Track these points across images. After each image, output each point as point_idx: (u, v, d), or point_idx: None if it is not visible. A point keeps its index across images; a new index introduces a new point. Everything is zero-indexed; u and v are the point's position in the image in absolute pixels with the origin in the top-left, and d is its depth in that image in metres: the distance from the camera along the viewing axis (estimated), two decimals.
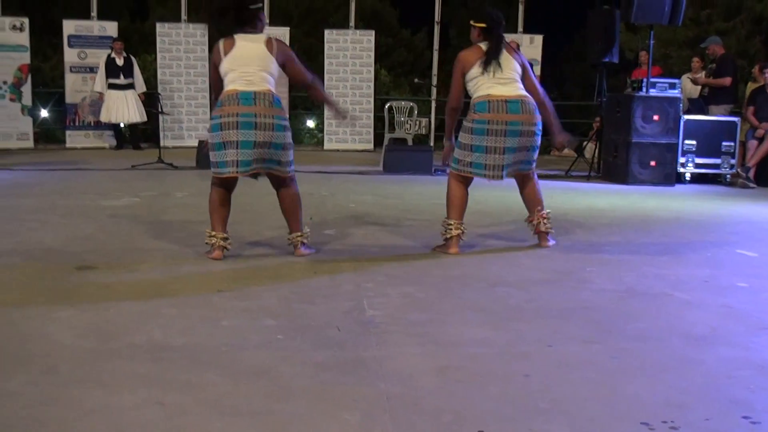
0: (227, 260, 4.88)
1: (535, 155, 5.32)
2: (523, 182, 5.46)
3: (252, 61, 4.75)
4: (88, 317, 3.60)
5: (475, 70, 5.18)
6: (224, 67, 4.78)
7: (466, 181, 5.35)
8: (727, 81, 10.85)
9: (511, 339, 3.42)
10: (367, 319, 3.66)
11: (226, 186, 4.93)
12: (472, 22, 5.31)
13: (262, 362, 3.03)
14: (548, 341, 3.39)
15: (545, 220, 5.45)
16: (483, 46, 5.21)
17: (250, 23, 4.83)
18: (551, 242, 5.51)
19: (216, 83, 4.92)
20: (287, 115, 5.01)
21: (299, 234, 5.04)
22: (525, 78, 5.30)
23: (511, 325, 3.64)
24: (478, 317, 3.75)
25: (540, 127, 5.25)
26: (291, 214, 5.02)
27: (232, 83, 4.75)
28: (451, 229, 5.26)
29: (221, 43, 4.80)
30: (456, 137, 5.39)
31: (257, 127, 4.67)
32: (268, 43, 4.81)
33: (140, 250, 5.20)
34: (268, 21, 5.14)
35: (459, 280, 4.49)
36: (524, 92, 5.20)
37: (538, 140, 5.26)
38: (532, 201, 5.47)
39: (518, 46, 10.91)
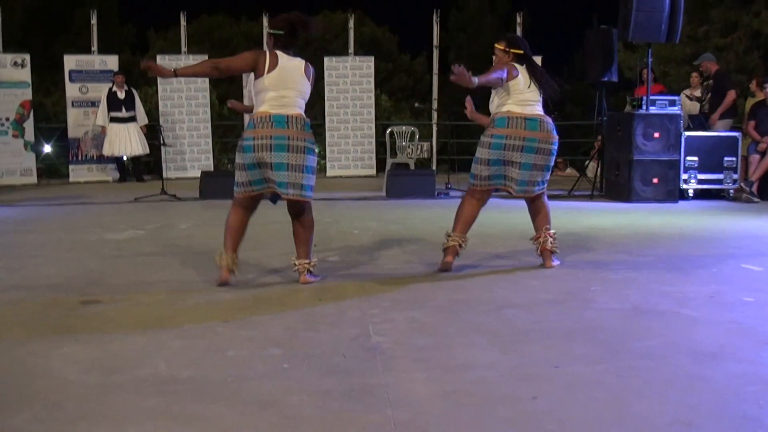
0: (232, 289, 4.88)
1: (548, 176, 5.47)
2: (533, 203, 5.56)
3: (292, 84, 4.86)
4: (92, 351, 3.59)
5: (515, 82, 5.33)
6: (263, 83, 4.84)
7: (481, 198, 5.50)
8: (732, 95, 10.88)
9: (518, 361, 3.41)
10: (373, 345, 3.65)
11: (249, 206, 5.02)
12: (505, 48, 5.47)
13: (269, 392, 3.02)
14: (555, 362, 3.37)
15: (551, 239, 5.49)
16: (518, 66, 5.37)
17: (293, 47, 4.96)
18: (555, 262, 5.54)
19: (231, 68, 5.01)
20: (315, 140, 5.07)
21: (307, 261, 5.05)
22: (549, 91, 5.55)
23: (517, 347, 3.62)
24: (485, 340, 3.73)
25: (556, 147, 5.40)
26: (303, 242, 5.07)
27: (266, 102, 4.84)
28: (450, 239, 5.42)
29: (267, 57, 4.85)
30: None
31: (290, 150, 4.78)
32: (306, 67, 4.95)
33: (144, 282, 5.19)
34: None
35: (465, 303, 4.48)
36: (542, 112, 5.39)
37: (553, 160, 5.42)
38: (540, 218, 5.56)
39: None
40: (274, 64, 4.82)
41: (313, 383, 3.12)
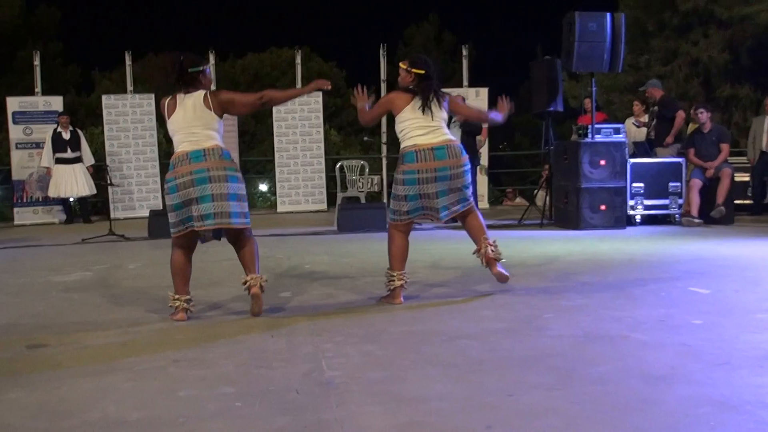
0: (183, 328, 4.81)
1: (469, 192, 5.50)
2: (465, 217, 5.58)
3: (195, 122, 4.96)
4: (39, 396, 3.50)
5: (406, 113, 5.40)
6: (170, 128, 5.04)
7: (406, 231, 5.51)
8: (681, 115, 11.09)
9: (473, 391, 3.40)
10: (327, 380, 3.62)
11: (187, 245, 5.09)
12: (408, 67, 5.49)
13: None
14: (509, 391, 3.37)
15: (492, 247, 5.48)
16: (415, 90, 5.43)
17: (191, 84, 5.02)
18: (501, 269, 5.49)
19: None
20: (238, 168, 5.16)
21: (257, 276, 5.07)
22: (458, 112, 5.78)
23: (472, 377, 3.61)
24: (439, 371, 3.72)
25: (468, 167, 5.46)
26: (250, 261, 5.11)
27: (179, 144, 4.97)
28: (394, 280, 5.39)
29: (166, 102, 5.06)
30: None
31: (211, 181, 4.87)
32: (205, 99, 4.99)
33: (93, 323, 5.09)
34: (214, 87, 5.26)
35: (418, 335, 4.47)
36: (450, 137, 5.43)
37: (468, 177, 5.46)
38: (476, 231, 5.56)
39: (464, 99, 11.04)
40: (172, 108, 5.02)
41: (266, 421, 3.07)
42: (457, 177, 5.38)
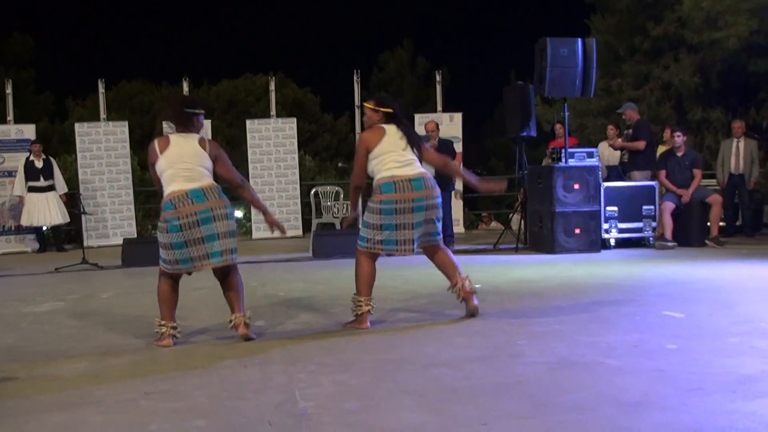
0: (156, 359, 4.78)
1: (440, 225, 5.65)
2: (434, 253, 5.71)
3: (189, 158, 5.07)
4: None
5: (381, 147, 5.48)
6: (161, 165, 5.08)
7: (374, 258, 5.60)
8: (641, 144, 11.12)
9: (446, 421, 3.38)
10: (300, 411, 3.59)
11: (175, 278, 5.20)
12: (375, 107, 5.64)
13: None
14: (483, 420, 3.35)
15: (467, 281, 5.63)
16: (385, 127, 5.54)
17: (185, 125, 5.14)
18: (477, 302, 5.67)
19: (156, 180, 5.19)
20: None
21: (242, 314, 5.19)
22: (427, 161, 5.77)
23: (446, 406, 3.60)
24: (413, 401, 3.70)
25: (440, 200, 5.61)
26: (236, 298, 5.23)
27: (173, 181, 5.03)
28: (361, 305, 5.49)
29: (156, 143, 5.13)
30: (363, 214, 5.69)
31: (216, 219, 5.01)
32: (201, 141, 5.16)
33: (64, 356, 5.03)
34: (202, 110, 5.33)
35: (392, 364, 4.45)
36: (423, 170, 5.56)
37: (440, 211, 5.61)
38: (448, 267, 5.69)
39: (437, 125, 11.10)
40: (164, 145, 5.10)
41: None
42: (431, 208, 5.49)
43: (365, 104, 5.75)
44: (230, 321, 5.21)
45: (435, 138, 10.59)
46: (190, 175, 5.04)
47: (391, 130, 5.54)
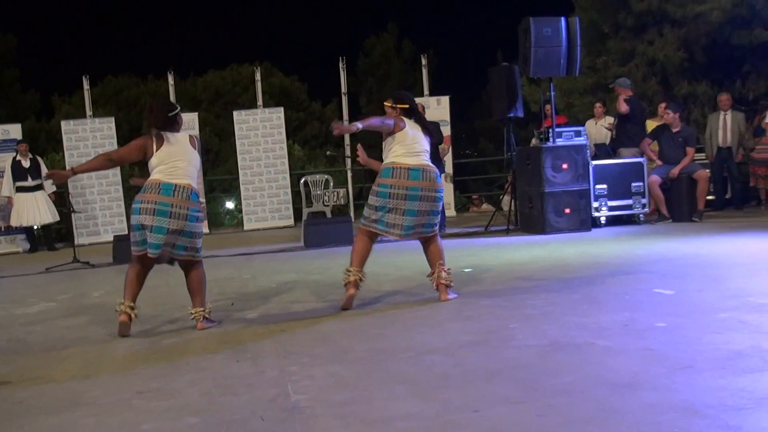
0: (148, 357, 4.77)
1: (436, 219, 5.90)
2: (427, 243, 5.97)
3: (181, 156, 5.38)
4: None
5: (399, 135, 5.83)
6: (154, 160, 5.36)
7: (371, 237, 5.95)
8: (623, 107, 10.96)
9: (439, 408, 3.39)
10: (293, 404, 3.59)
11: (143, 264, 5.45)
12: (392, 105, 6.01)
13: None
14: (475, 406, 3.36)
15: (445, 273, 5.85)
16: (406, 121, 5.91)
17: (172, 127, 5.46)
18: (451, 296, 5.87)
19: (123, 159, 5.70)
20: (202, 207, 5.58)
21: (202, 309, 5.47)
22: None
23: (438, 393, 3.61)
24: (406, 389, 3.71)
25: (441, 194, 5.92)
26: (197, 292, 5.51)
27: (157, 174, 5.32)
28: (349, 274, 5.81)
29: (154, 139, 5.39)
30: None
31: (171, 216, 5.23)
32: (191, 140, 5.52)
33: (56, 358, 5.02)
34: (179, 108, 5.50)
35: (384, 353, 4.46)
36: (428, 163, 5.84)
37: (439, 205, 5.90)
38: (434, 257, 5.94)
39: (424, 108, 11.06)
40: (160, 143, 5.36)
41: None
42: (427, 200, 5.79)
43: (384, 103, 6.12)
44: (191, 315, 5.50)
45: None
46: (173, 171, 5.33)
47: (410, 124, 5.92)
